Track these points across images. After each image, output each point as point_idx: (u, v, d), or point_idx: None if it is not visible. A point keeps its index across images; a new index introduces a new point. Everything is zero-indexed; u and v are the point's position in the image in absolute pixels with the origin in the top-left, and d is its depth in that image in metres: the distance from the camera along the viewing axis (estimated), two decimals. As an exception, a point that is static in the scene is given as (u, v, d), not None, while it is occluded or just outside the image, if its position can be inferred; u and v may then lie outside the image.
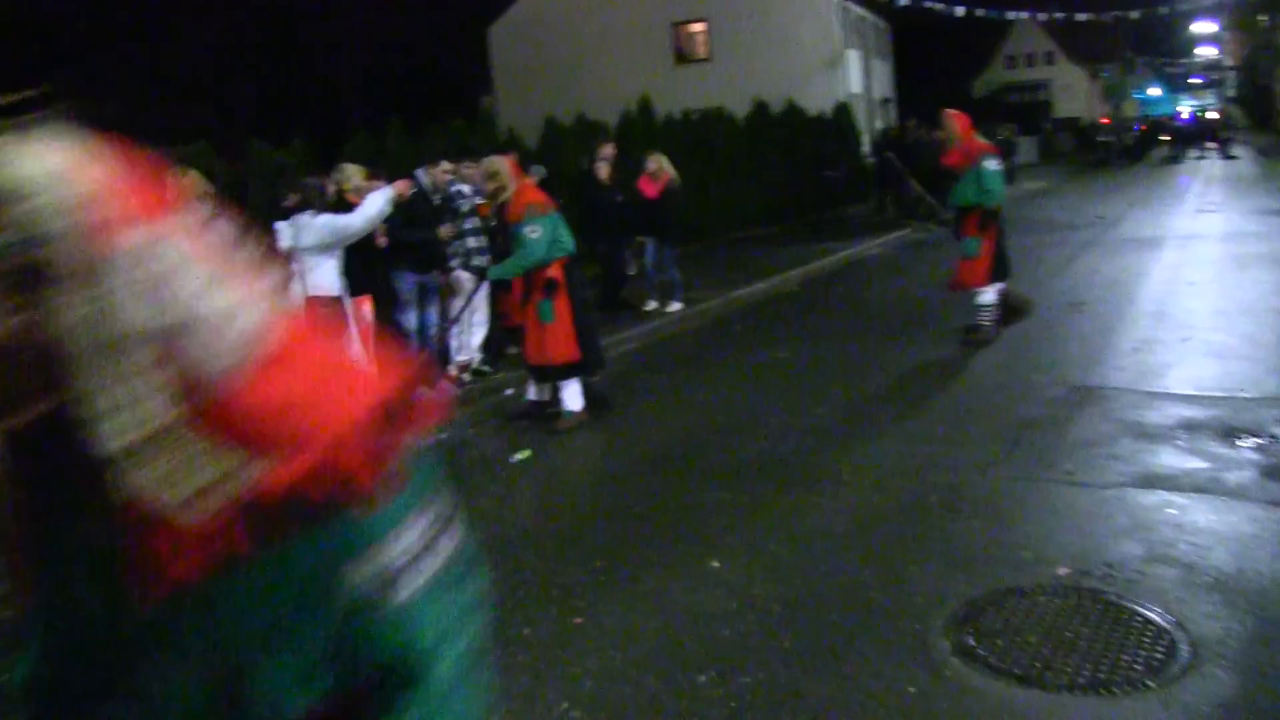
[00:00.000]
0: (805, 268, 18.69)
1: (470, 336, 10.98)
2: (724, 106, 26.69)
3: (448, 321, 10.37)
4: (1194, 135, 53.77)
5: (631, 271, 15.31)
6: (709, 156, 24.47)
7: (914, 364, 10.66)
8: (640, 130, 22.36)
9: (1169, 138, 55.27)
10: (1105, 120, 64.93)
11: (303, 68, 49.05)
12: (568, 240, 9.13)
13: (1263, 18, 64.99)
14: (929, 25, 50.30)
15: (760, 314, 15.05)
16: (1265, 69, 70.72)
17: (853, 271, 19.02)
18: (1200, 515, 5.99)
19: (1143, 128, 59.90)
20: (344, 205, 9.02)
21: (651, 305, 14.51)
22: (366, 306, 9.37)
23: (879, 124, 42.25)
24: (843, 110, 31.57)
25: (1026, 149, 46.59)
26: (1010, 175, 11.11)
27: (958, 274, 11.07)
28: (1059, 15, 53.41)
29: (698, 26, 41.70)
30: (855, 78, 42.34)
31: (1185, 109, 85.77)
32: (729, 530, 6.41)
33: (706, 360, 11.93)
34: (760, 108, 27.76)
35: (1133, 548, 5.59)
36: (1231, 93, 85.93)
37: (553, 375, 9.26)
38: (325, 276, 8.59)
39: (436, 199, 10.45)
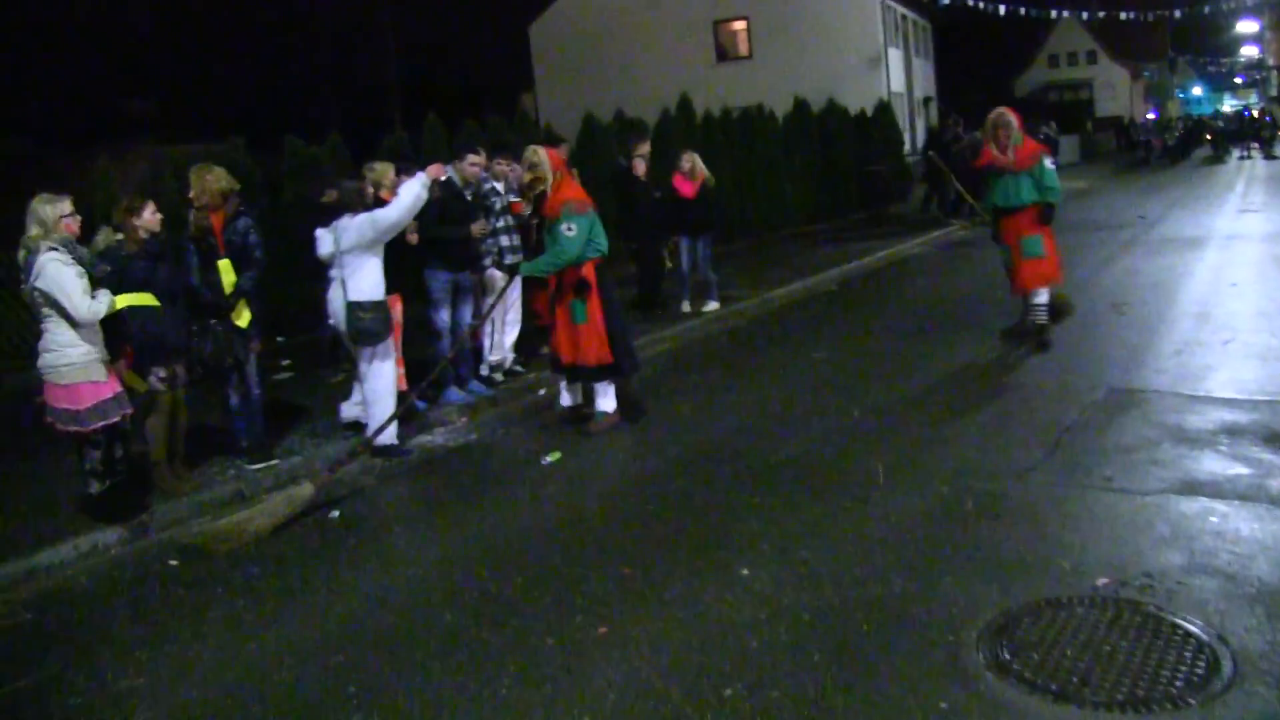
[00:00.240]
0: (844, 267, 18.55)
1: (503, 336, 10.92)
2: (764, 104, 26.52)
3: (479, 319, 10.30)
4: (1237, 135, 53.13)
5: (668, 268, 15.20)
6: (749, 154, 24.39)
7: (952, 365, 10.53)
8: (680, 128, 22.23)
9: (1211, 137, 54.71)
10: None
11: (340, 63, 49.22)
12: (603, 241, 9.05)
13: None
14: (971, 24, 50.16)
15: (797, 314, 14.94)
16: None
17: (891, 271, 18.85)
18: (1243, 523, 5.84)
19: (1190, 127, 59.42)
20: (381, 207, 8.94)
21: (685, 307, 14.39)
22: (398, 305, 9.32)
23: (920, 123, 42.07)
24: (884, 109, 31.32)
25: (1068, 148, 46.13)
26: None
27: (1022, 275, 10.77)
28: (1101, 14, 53.08)
29: (739, 24, 41.77)
30: (897, 77, 42.22)
31: (1227, 108, 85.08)
32: (759, 536, 6.31)
33: (741, 361, 11.84)
34: (801, 106, 27.55)
35: (1173, 557, 5.46)
36: (1274, 92, 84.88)
37: (585, 376, 9.18)
38: (369, 279, 8.52)
39: (468, 193, 10.38)
